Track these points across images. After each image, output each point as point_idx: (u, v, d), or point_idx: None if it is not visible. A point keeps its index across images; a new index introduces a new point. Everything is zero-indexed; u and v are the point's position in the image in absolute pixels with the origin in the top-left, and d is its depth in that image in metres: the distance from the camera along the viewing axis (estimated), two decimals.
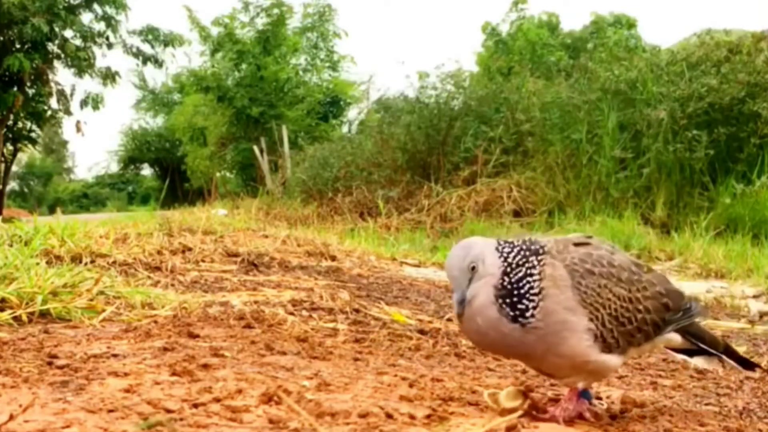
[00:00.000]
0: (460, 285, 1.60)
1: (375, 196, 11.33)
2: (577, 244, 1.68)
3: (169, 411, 1.50)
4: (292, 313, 2.87)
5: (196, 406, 1.55)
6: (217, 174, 27.26)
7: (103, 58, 26.99)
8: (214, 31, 24.58)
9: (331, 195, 12.24)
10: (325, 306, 3.12)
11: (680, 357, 1.98)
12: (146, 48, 21.57)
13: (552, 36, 24.05)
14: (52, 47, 20.65)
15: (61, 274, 2.89)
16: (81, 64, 20.63)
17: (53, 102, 21.93)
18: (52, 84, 21.39)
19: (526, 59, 20.78)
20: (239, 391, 1.64)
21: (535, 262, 1.61)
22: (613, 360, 1.67)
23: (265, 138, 19.68)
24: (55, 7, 19.54)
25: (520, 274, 1.59)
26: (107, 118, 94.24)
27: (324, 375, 1.91)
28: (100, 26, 21.23)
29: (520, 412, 1.61)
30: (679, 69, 9.79)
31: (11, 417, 1.39)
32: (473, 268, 1.60)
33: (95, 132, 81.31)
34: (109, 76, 21.29)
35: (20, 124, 23.69)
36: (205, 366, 1.89)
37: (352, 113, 27.79)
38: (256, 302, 3.10)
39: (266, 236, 6.40)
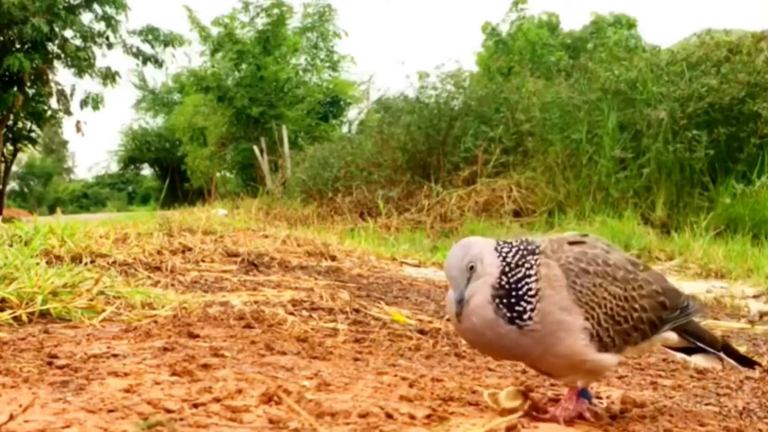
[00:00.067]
0: (458, 285, 1.60)
1: (375, 196, 11.33)
2: (572, 243, 1.68)
3: (169, 411, 1.50)
4: (292, 313, 2.87)
5: (196, 406, 1.55)
6: (217, 174, 27.26)
7: (103, 58, 27.04)
8: (214, 31, 24.60)
9: (331, 195, 12.24)
10: (325, 306, 3.12)
11: (679, 356, 1.97)
12: (146, 48, 21.60)
13: (552, 36, 24.05)
14: (52, 47, 20.65)
15: (61, 274, 2.89)
16: (81, 64, 20.63)
17: (53, 102, 21.96)
18: (52, 84, 21.39)
19: (526, 59, 20.78)
20: (239, 391, 1.64)
21: (533, 263, 1.61)
22: (609, 359, 1.66)
23: (265, 138, 19.68)
24: (55, 7, 19.55)
25: (519, 275, 1.59)
26: (107, 118, 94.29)
27: (324, 375, 1.91)
28: (100, 26, 21.26)
29: (520, 413, 1.61)
30: (679, 69, 9.79)
31: (11, 417, 1.39)
32: (472, 268, 1.59)
33: (95, 132, 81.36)
34: (109, 76, 21.29)
35: (20, 124, 23.70)
36: (205, 366, 1.89)
37: (352, 113, 27.82)
38: (256, 302, 3.10)
39: (266, 236, 6.39)
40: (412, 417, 1.57)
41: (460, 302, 1.59)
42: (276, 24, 24.35)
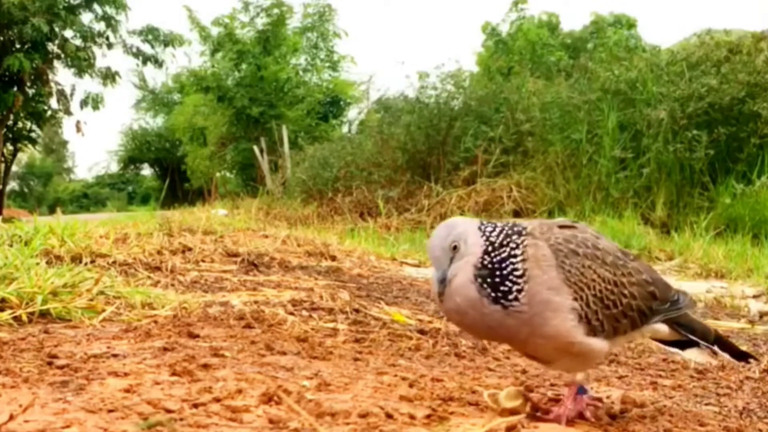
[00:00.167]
0: (441, 264, 1.59)
1: (375, 196, 11.33)
2: (561, 227, 1.67)
3: (169, 411, 1.50)
4: (292, 313, 2.87)
5: (196, 406, 1.55)
6: (217, 174, 27.29)
7: (103, 58, 27.02)
8: (214, 31, 24.62)
9: (331, 195, 12.24)
10: (325, 306, 3.12)
11: (672, 350, 1.96)
12: (146, 48, 21.63)
13: (552, 36, 24.06)
14: (52, 47, 20.66)
15: (61, 274, 2.89)
16: (81, 64, 20.64)
17: (53, 102, 21.99)
18: (52, 84, 21.41)
19: (526, 59, 20.80)
20: (239, 391, 1.64)
21: (518, 242, 1.59)
22: (598, 344, 1.63)
23: (265, 138, 19.69)
24: (55, 7, 19.56)
25: (503, 255, 1.57)
26: (107, 118, 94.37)
27: (324, 375, 1.91)
28: (100, 26, 21.29)
29: (523, 415, 1.60)
30: (679, 69, 9.79)
31: (11, 417, 1.39)
32: (455, 248, 1.58)
33: (95, 132, 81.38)
34: (109, 76, 21.30)
35: (20, 124, 23.73)
36: (205, 366, 1.89)
37: (352, 113, 27.85)
38: (256, 302, 3.10)
39: (266, 236, 6.40)
40: (412, 417, 1.57)
41: (443, 282, 1.57)
42: (276, 24, 24.37)
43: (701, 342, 1.80)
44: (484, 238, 1.60)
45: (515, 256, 1.58)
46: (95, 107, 21.20)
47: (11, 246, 3.61)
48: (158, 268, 3.99)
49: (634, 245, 7.23)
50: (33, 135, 25.28)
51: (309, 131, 23.16)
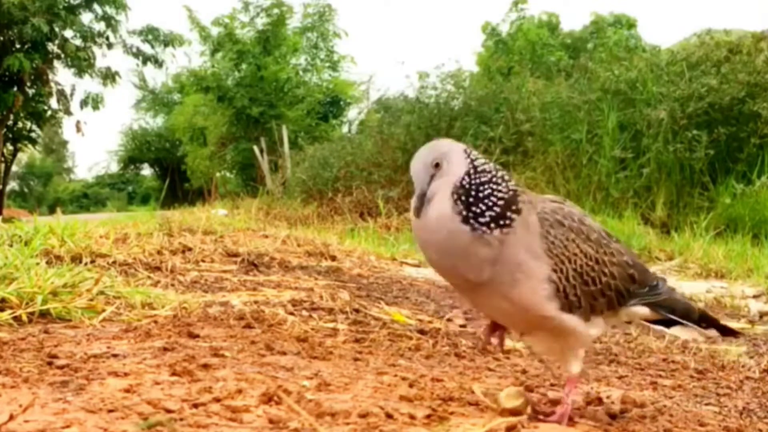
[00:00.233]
0: (421, 181, 1.56)
1: (375, 196, 11.33)
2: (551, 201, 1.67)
3: (169, 411, 1.50)
4: (292, 313, 2.87)
5: (196, 406, 1.55)
6: (217, 174, 27.30)
7: (103, 58, 27.01)
8: (214, 31, 24.63)
9: (331, 195, 12.24)
10: (325, 306, 3.12)
11: (657, 328, 1.95)
12: (146, 48, 21.63)
13: (552, 36, 24.07)
14: (52, 47, 20.66)
15: (61, 274, 2.89)
16: (81, 64, 20.64)
17: (53, 102, 21.99)
18: (52, 84, 21.41)
19: (526, 59, 20.80)
20: (239, 391, 1.64)
21: (503, 176, 1.57)
22: (574, 321, 1.60)
23: (265, 138, 19.70)
24: (55, 7, 19.56)
25: (484, 179, 1.55)
26: (107, 118, 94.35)
27: (324, 375, 1.91)
28: (100, 26, 21.29)
29: (525, 416, 1.60)
30: (679, 69, 9.80)
31: (11, 417, 1.39)
32: (437, 165, 1.56)
33: (95, 132, 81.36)
34: (109, 76, 21.30)
35: (20, 124, 23.73)
36: (205, 366, 1.89)
37: (352, 113, 27.86)
38: (256, 302, 3.10)
39: (266, 236, 6.39)
40: (412, 417, 1.57)
41: (422, 197, 1.55)
42: (276, 24, 24.38)
43: (684, 321, 1.78)
44: (469, 161, 1.57)
45: (497, 183, 1.55)
46: (95, 107, 21.21)
47: (11, 246, 3.61)
48: (158, 268, 3.99)
49: (634, 245, 7.22)
50: (33, 135, 25.28)
51: (309, 131, 23.16)
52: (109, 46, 21.37)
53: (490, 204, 1.52)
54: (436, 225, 1.53)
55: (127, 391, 1.63)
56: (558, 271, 1.56)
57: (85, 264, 3.66)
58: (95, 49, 21.19)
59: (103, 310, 2.68)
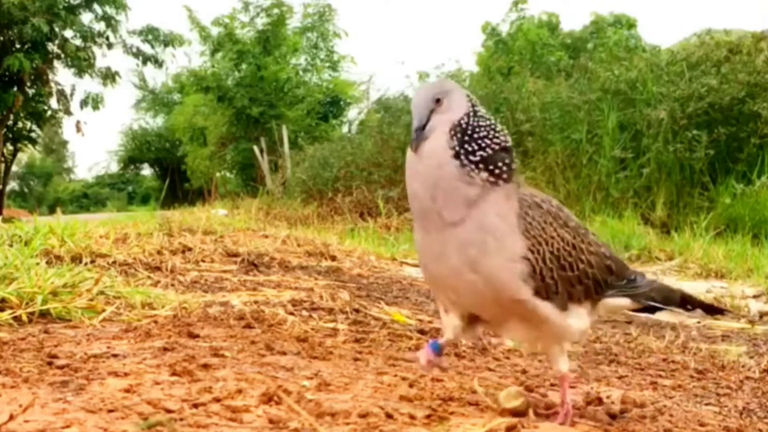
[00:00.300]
0: (421, 114, 1.55)
1: (375, 196, 11.33)
2: None
3: (169, 411, 1.50)
4: (292, 313, 2.87)
5: (196, 406, 1.55)
6: (217, 174, 27.30)
7: (103, 58, 27.04)
8: (214, 31, 24.63)
9: (331, 195, 12.24)
10: (325, 306, 3.12)
11: (642, 315, 1.94)
12: (146, 48, 21.62)
13: (552, 36, 24.06)
14: (52, 47, 20.66)
15: (61, 274, 2.89)
16: (81, 64, 20.64)
17: (53, 102, 21.99)
18: (52, 84, 21.41)
19: (526, 59, 20.79)
20: (239, 391, 1.64)
21: (504, 131, 1.57)
22: (549, 309, 1.56)
23: (265, 138, 19.70)
24: (55, 7, 19.56)
25: (483, 124, 1.55)
26: (107, 118, 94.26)
27: (324, 375, 1.91)
28: (100, 26, 21.28)
29: (525, 417, 1.60)
30: (679, 69, 9.79)
31: (11, 417, 1.39)
32: (438, 101, 1.56)
33: (95, 132, 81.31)
34: (109, 76, 21.30)
35: (20, 124, 23.72)
36: (205, 366, 1.89)
37: (352, 113, 27.86)
38: (256, 302, 3.10)
39: (266, 236, 6.40)
40: (412, 417, 1.57)
41: (419, 131, 1.54)
42: (276, 24, 24.37)
43: (667, 307, 1.77)
44: (470, 104, 1.57)
45: (494, 131, 1.55)
46: (95, 107, 21.21)
47: (11, 246, 3.61)
48: (158, 268, 3.99)
49: (634, 245, 7.23)
50: (33, 135, 25.27)
51: (309, 131, 23.16)
52: (109, 46, 21.38)
53: (484, 146, 1.53)
54: (428, 156, 1.53)
55: (127, 391, 1.63)
56: (535, 252, 1.53)
57: (85, 264, 3.66)
58: (95, 49, 21.20)
59: (103, 310, 2.68)
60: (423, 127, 1.55)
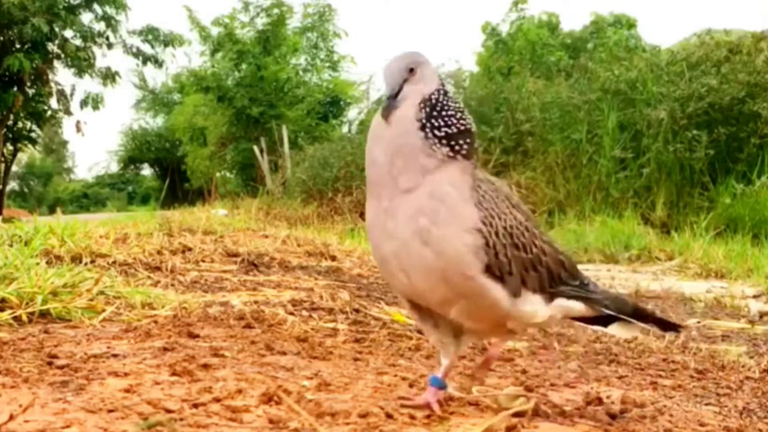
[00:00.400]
0: (393, 82, 1.55)
1: None
2: None
3: (169, 411, 1.50)
4: (292, 313, 2.87)
5: (196, 406, 1.55)
6: (217, 174, 27.30)
7: (103, 58, 27.04)
8: (214, 31, 24.64)
9: (331, 195, 12.24)
10: (325, 306, 3.12)
11: (595, 328, 1.89)
12: (146, 48, 21.62)
13: (552, 36, 24.07)
14: (52, 47, 20.66)
15: (61, 274, 2.89)
16: (81, 64, 20.64)
17: (53, 102, 21.99)
18: (52, 84, 21.41)
19: (526, 59, 20.81)
20: (239, 391, 1.64)
21: (469, 117, 1.57)
22: (498, 292, 1.50)
23: (265, 138, 19.70)
24: (55, 7, 19.56)
25: (452, 104, 1.55)
26: (107, 118, 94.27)
27: (324, 375, 1.91)
28: (100, 26, 21.28)
29: (525, 417, 1.60)
30: (679, 69, 9.80)
31: (11, 417, 1.39)
32: (411, 71, 1.56)
33: (95, 132, 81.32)
34: (109, 76, 21.30)
35: (20, 124, 23.73)
36: (205, 366, 1.89)
37: (352, 113, 27.86)
38: (256, 302, 3.10)
39: (266, 236, 6.39)
40: (412, 417, 1.57)
41: (393, 98, 1.54)
42: (276, 24, 24.38)
43: (618, 315, 1.69)
44: (440, 82, 1.59)
45: (461, 113, 1.56)
46: (95, 107, 21.21)
47: (11, 246, 3.61)
48: (158, 268, 3.99)
49: (634, 245, 7.23)
50: (33, 135, 25.28)
51: (309, 131, 23.16)
52: (109, 46, 21.38)
53: (450, 123, 1.53)
54: (395, 123, 1.54)
55: (127, 391, 1.64)
56: (487, 224, 1.50)
57: (85, 264, 3.66)
58: (95, 49, 21.20)
59: (103, 310, 2.68)
60: (395, 96, 1.55)
